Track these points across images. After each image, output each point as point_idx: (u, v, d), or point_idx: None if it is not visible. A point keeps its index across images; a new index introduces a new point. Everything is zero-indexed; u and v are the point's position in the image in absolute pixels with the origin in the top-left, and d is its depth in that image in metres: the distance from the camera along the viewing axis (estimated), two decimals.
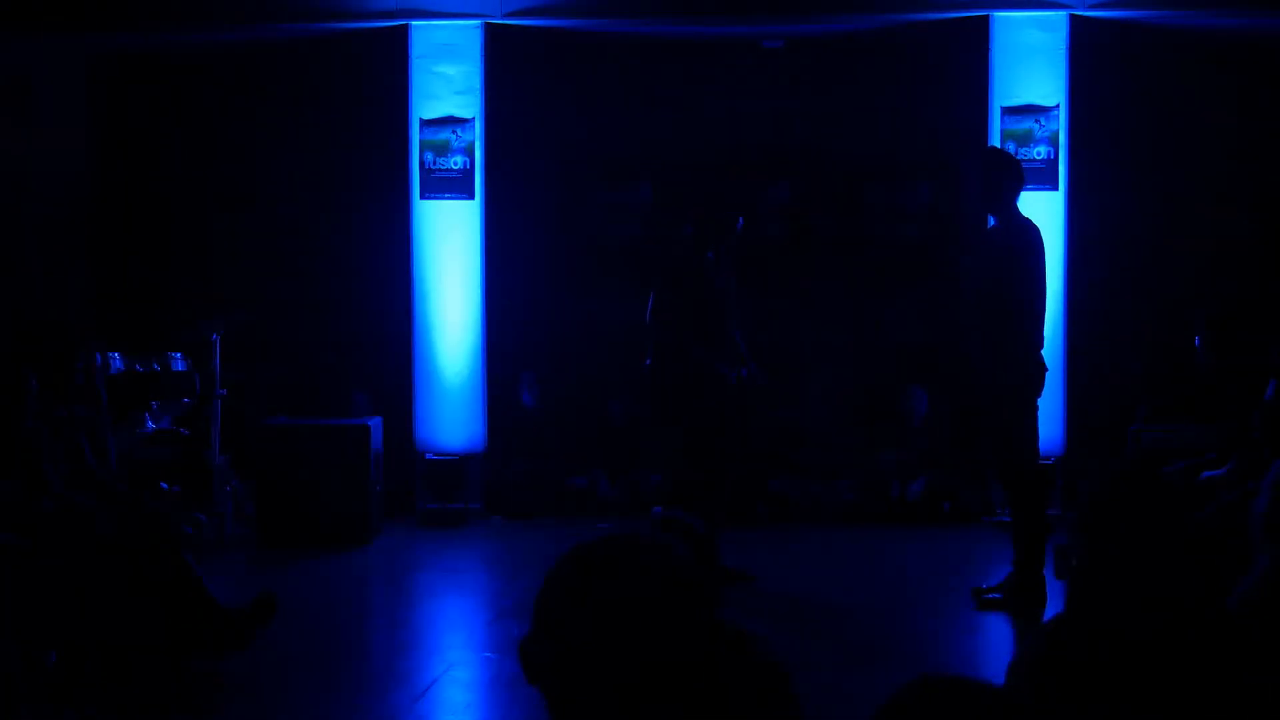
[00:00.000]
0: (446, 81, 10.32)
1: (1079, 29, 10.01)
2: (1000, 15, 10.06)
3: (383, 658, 7.17)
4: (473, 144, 10.33)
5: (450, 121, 10.33)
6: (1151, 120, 10.84)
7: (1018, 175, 7.67)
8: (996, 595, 7.64)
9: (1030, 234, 7.55)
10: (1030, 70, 10.03)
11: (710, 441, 8.01)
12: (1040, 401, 7.74)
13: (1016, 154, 9.06)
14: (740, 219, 8.10)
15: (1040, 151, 9.92)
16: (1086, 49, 10.05)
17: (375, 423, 9.77)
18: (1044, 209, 9.37)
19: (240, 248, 11.35)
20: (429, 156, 10.33)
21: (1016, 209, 7.61)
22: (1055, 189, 9.94)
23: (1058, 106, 9.99)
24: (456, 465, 10.30)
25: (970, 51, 10.21)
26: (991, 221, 7.74)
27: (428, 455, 10.34)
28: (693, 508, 8.00)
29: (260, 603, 6.49)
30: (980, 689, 1.75)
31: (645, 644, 1.87)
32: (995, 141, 9.89)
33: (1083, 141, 10.14)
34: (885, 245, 11.38)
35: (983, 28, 10.10)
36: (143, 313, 10.94)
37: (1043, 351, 7.66)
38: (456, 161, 10.33)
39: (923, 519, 10.00)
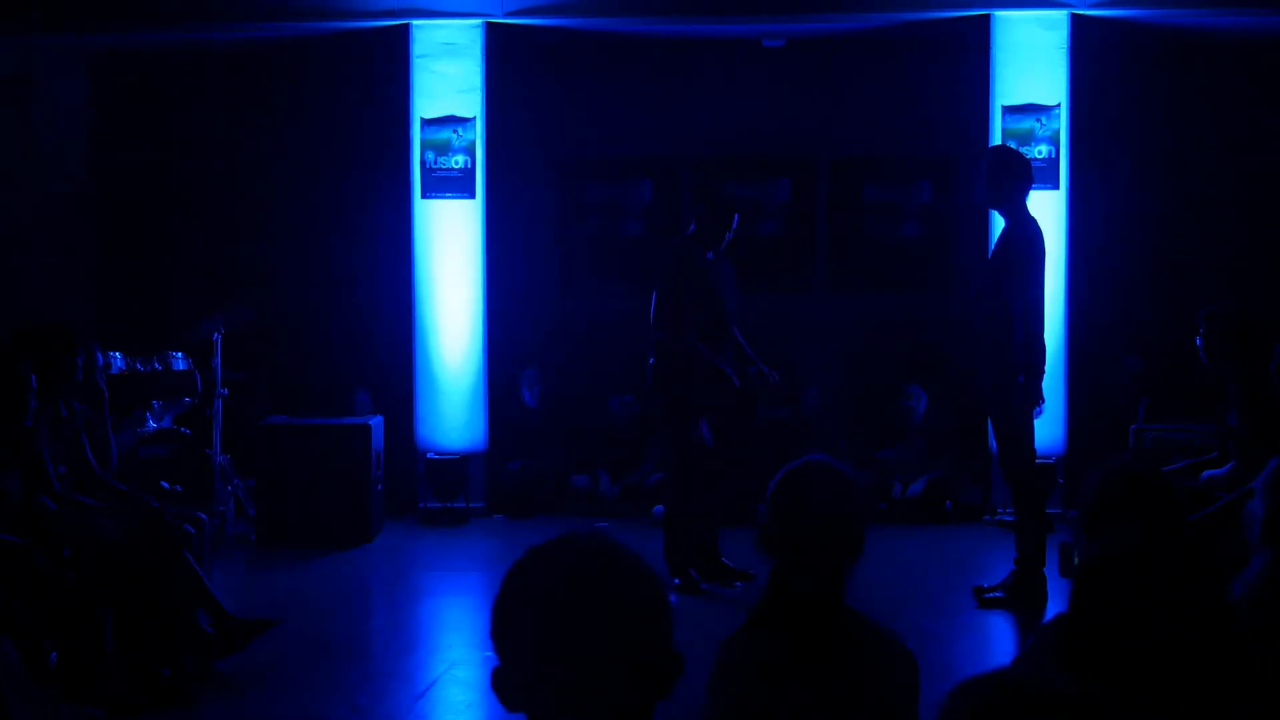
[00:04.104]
0: (447, 81, 10.32)
1: (1080, 28, 10.00)
2: (1001, 14, 10.06)
3: (383, 657, 7.17)
4: (474, 143, 10.33)
5: (451, 120, 10.33)
6: (1152, 119, 10.83)
7: (1026, 174, 7.64)
8: (998, 594, 7.64)
9: (1034, 239, 7.54)
10: (1031, 69, 10.02)
11: (707, 443, 7.99)
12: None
13: None
14: (736, 215, 8.08)
15: (1041, 150, 9.92)
16: (1088, 48, 10.05)
17: (376, 422, 9.77)
18: (1045, 208, 9.36)
19: (241, 247, 11.34)
20: (430, 155, 10.32)
21: (1025, 208, 7.59)
22: (1056, 188, 9.94)
23: (1059, 105, 9.99)
24: (458, 464, 10.30)
25: (971, 50, 10.20)
26: (997, 219, 7.74)
27: (429, 454, 10.34)
28: (688, 507, 8.00)
29: (265, 620, 6.52)
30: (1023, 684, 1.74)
31: (598, 647, 1.86)
32: (996, 140, 9.88)
33: (1084, 140, 10.13)
34: (885, 245, 11.38)
35: (984, 27, 10.10)
36: (143, 312, 10.93)
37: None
38: (457, 160, 10.33)
39: (924, 518, 9.99)
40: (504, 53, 10.50)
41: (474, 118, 10.33)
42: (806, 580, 3.22)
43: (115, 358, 8.93)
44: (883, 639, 3.26)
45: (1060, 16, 9.99)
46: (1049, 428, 8.96)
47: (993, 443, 8.59)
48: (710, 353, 7.92)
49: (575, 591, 1.88)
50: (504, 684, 1.90)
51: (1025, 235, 7.53)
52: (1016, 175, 7.58)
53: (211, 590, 6.52)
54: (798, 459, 3.38)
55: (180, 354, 9.36)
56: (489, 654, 1.91)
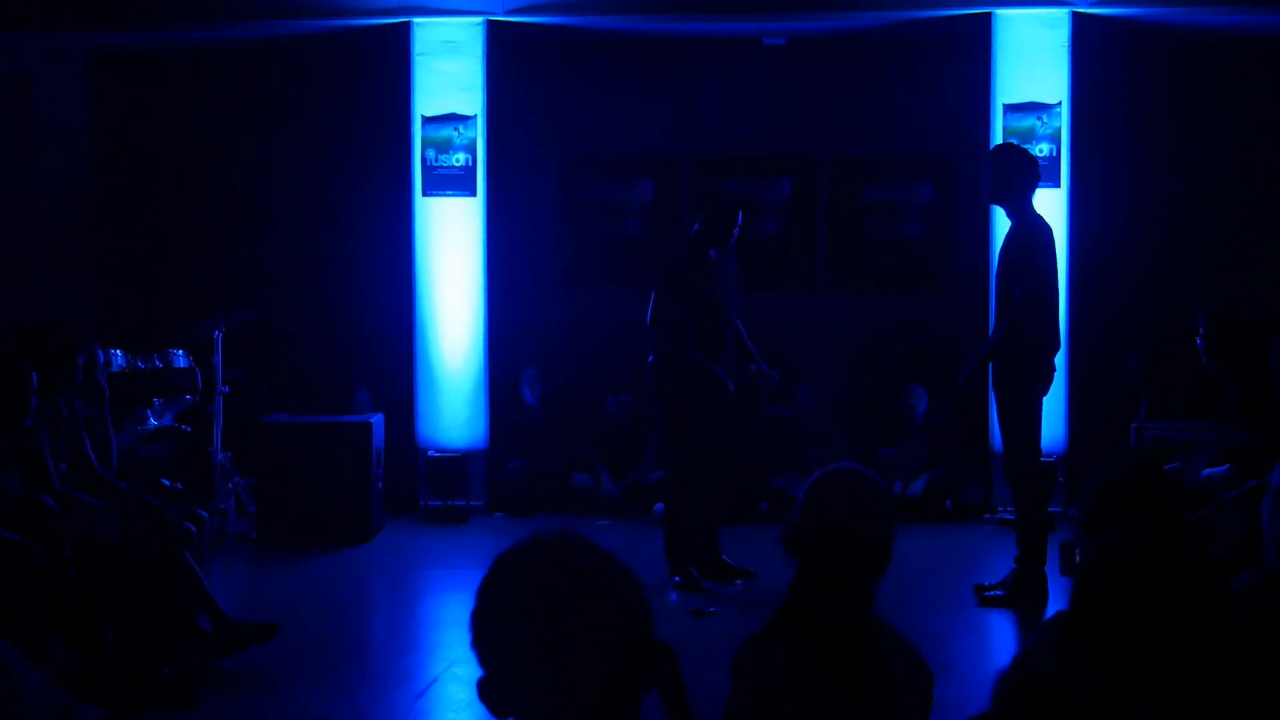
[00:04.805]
0: (448, 78, 10.32)
1: (1081, 26, 10.00)
2: (1003, 12, 10.05)
3: (384, 655, 7.18)
4: (474, 141, 10.33)
5: (452, 118, 10.33)
6: (1153, 117, 10.83)
7: (1033, 172, 7.63)
8: (999, 593, 7.64)
9: (1042, 235, 7.53)
10: (1033, 67, 10.02)
11: (707, 442, 7.98)
12: (1044, 400, 7.74)
13: None
14: (741, 213, 8.08)
15: (1043, 149, 9.91)
16: (1089, 46, 10.05)
17: (377, 420, 9.77)
18: (1046, 206, 9.34)
19: (242, 245, 11.34)
20: (431, 153, 10.32)
21: (1031, 206, 7.58)
22: (1057, 186, 9.93)
23: (1060, 103, 9.98)
24: (458, 462, 10.30)
25: (973, 49, 10.20)
26: (1000, 219, 7.72)
27: (429, 452, 10.34)
28: (688, 505, 8.00)
29: (262, 626, 6.51)
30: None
31: (574, 643, 1.87)
32: (998, 139, 9.87)
33: (1085, 138, 10.13)
34: (885, 245, 11.37)
35: (985, 25, 10.10)
36: (144, 310, 10.93)
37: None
38: (458, 158, 10.33)
39: (925, 516, 9.99)
40: (505, 51, 10.50)
41: (475, 115, 10.33)
42: (834, 589, 3.20)
43: (116, 355, 8.92)
44: (901, 650, 3.24)
45: (1062, 15, 9.99)
46: (1051, 426, 8.95)
47: (995, 442, 8.58)
48: (706, 355, 7.91)
49: (546, 592, 1.90)
50: (490, 692, 1.92)
51: (1035, 230, 7.53)
52: (1023, 173, 7.57)
53: (211, 590, 6.51)
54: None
55: (181, 351, 9.35)
56: None
